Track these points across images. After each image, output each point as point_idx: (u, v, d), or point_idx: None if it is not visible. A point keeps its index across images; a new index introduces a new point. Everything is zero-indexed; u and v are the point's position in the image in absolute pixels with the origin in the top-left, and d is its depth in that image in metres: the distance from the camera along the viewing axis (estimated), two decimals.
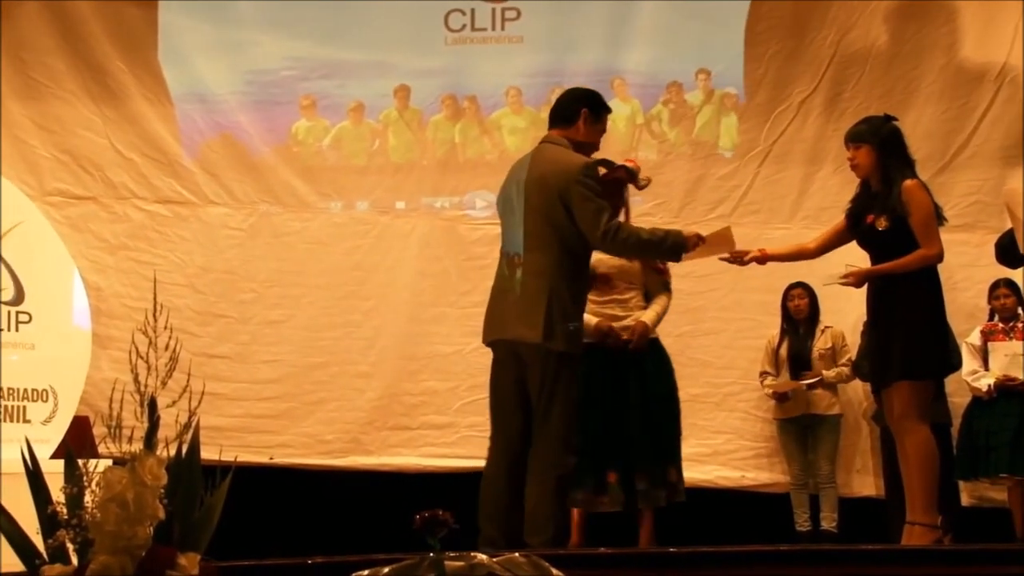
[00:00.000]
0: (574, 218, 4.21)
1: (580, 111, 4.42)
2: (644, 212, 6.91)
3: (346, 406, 7.06)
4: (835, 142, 7.05)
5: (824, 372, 6.66)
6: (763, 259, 4.80)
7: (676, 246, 4.39)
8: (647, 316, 5.15)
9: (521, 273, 4.26)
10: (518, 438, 4.31)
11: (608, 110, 4.58)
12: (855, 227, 4.68)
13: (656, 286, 5.28)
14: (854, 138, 4.67)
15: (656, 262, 5.19)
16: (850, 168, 4.74)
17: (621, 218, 4.87)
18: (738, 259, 4.73)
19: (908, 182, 4.51)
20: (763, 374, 6.84)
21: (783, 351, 6.78)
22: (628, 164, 5.12)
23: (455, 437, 6.97)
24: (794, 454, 6.75)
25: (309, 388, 7.08)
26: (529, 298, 4.21)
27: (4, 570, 2.84)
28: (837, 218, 6.71)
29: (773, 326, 6.86)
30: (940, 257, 4.54)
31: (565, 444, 4.23)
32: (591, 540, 5.18)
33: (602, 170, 5.05)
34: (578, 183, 4.22)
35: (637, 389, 5.01)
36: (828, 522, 6.61)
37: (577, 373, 4.33)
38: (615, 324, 5.07)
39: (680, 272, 6.75)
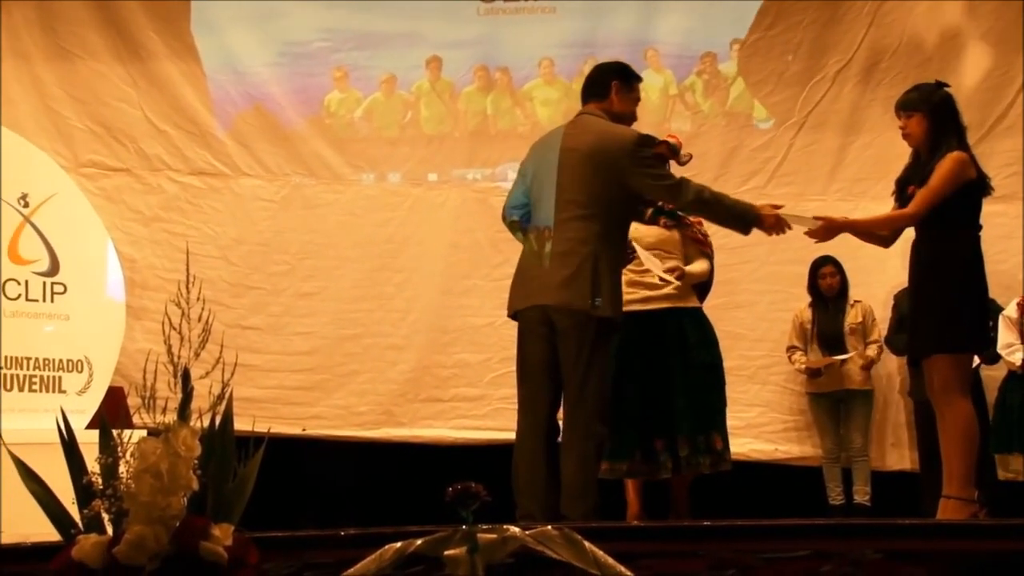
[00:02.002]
0: (625, 190, 4.22)
1: (611, 83, 4.44)
2: None
3: (378, 378, 7.08)
4: (872, 112, 7.00)
5: (856, 350, 6.61)
6: (836, 228, 4.67)
7: (748, 218, 4.42)
8: (687, 267, 5.13)
9: (553, 244, 4.23)
10: (548, 409, 4.29)
11: (639, 79, 4.57)
12: (899, 197, 4.59)
13: (695, 255, 5.24)
14: (905, 106, 4.54)
15: (697, 233, 5.20)
16: (902, 138, 4.60)
17: None
18: (820, 232, 4.62)
19: (951, 154, 4.39)
20: (791, 349, 6.81)
21: (813, 326, 6.73)
22: (670, 140, 5.10)
23: (487, 409, 6.98)
24: (827, 427, 6.72)
25: (341, 360, 7.10)
26: (572, 264, 4.19)
27: (41, 539, 2.86)
28: (872, 189, 6.63)
29: (806, 299, 6.82)
30: (911, 220, 4.44)
31: (599, 414, 4.21)
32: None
33: None
34: (639, 156, 4.25)
35: (679, 357, 5.00)
36: (861, 495, 6.58)
37: (611, 344, 4.32)
38: (652, 292, 5.04)
39: (713, 245, 6.74)
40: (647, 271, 5.05)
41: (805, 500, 6.55)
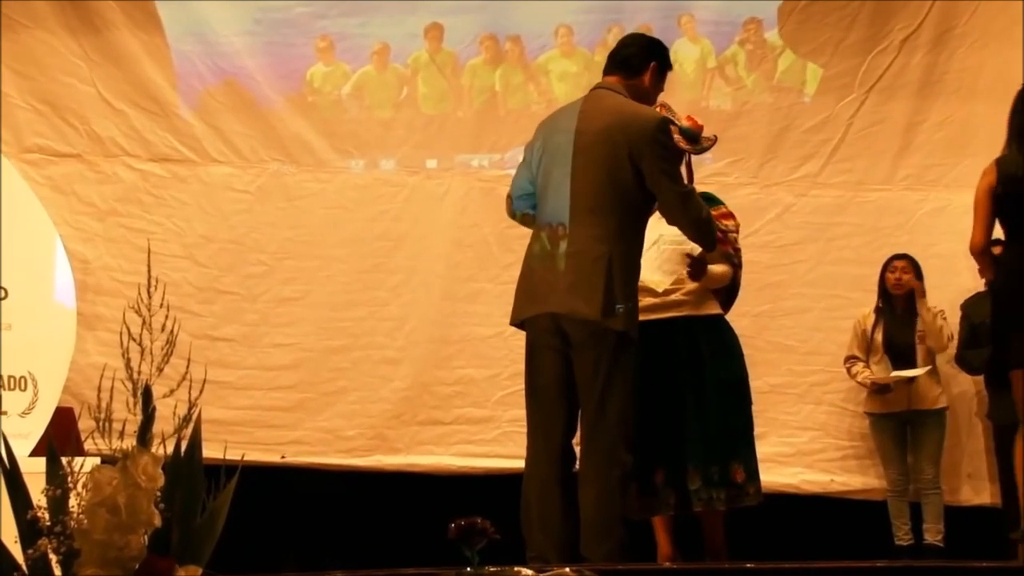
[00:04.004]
0: (643, 180, 4.23)
1: (649, 64, 4.48)
2: (716, 172, 6.90)
3: (370, 397, 7.09)
4: (945, 85, 6.99)
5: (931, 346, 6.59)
6: None
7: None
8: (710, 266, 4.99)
9: (568, 243, 4.23)
10: (563, 432, 4.30)
11: (671, 68, 4.64)
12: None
13: (715, 257, 5.07)
14: None
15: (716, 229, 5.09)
16: None
17: None
18: None
19: None
20: (850, 359, 6.79)
21: (878, 334, 6.72)
22: (687, 123, 4.87)
23: (495, 433, 6.98)
24: (891, 455, 6.71)
25: (327, 376, 7.11)
26: (584, 267, 4.19)
27: None
28: (947, 176, 6.62)
29: (868, 304, 6.81)
30: None
31: (623, 439, 4.22)
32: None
33: None
34: (660, 144, 4.26)
35: (691, 372, 4.91)
36: (932, 535, 6.57)
37: (633, 358, 4.31)
38: (659, 300, 4.93)
39: (757, 243, 6.74)
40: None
41: (867, 540, 6.55)
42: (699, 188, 4.73)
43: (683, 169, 4.64)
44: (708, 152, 5.01)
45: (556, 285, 4.24)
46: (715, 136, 4.80)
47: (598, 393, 4.19)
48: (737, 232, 5.13)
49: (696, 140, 4.65)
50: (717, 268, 4.96)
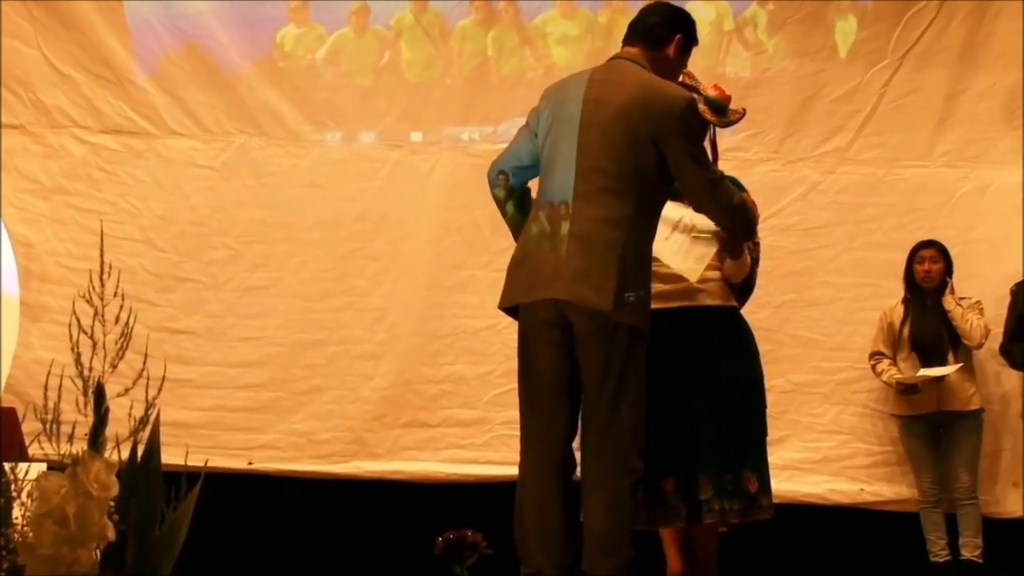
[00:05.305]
0: (665, 164, 4.23)
1: (674, 36, 4.46)
2: (733, 147, 6.89)
3: (347, 397, 7.10)
4: (989, 50, 6.99)
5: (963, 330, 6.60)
6: None
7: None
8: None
9: (572, 223, 4.22)
10: (563, 436, 4.29)
11: (697, 43, 4.61)
12: None
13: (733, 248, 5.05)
14: None
15: None
16: None
17: None
18: None
19: None
20: (876, 356, 6.82)
21: (905, 328, 6.73)
22: (713, 92, 4.88)
23: (487, 436, 6.99)
24: (922, 461, 6.73)
25: (300, 374, 7.12)
26: (595, 253, 4.17)
27: None
28: (991, 151, 6.61)
29: (902, 294, 6.82)
30: None
31: (635, 445, 4.22)
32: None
33: None
34: (688, 125, 4.24)
35: (701, 370, 4.89)
36: (970, 550, 6.59)
37: (645, 355, 4.30)
38: (669, 286, 4.90)
39: (779, 225, 6.74)
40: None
41: (899, 556, 6.56)
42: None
43: (707, 145, 4.67)
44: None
45: (560, 270, 4.19)
46: (744, 109, 4.79)
47: (610, 395, 4.18)
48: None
49: (723, 111, 4.65)
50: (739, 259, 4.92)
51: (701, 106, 4.53)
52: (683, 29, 4.50)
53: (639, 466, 4.24)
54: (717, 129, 4.84)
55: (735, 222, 4.49)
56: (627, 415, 4.19)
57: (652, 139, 4.20)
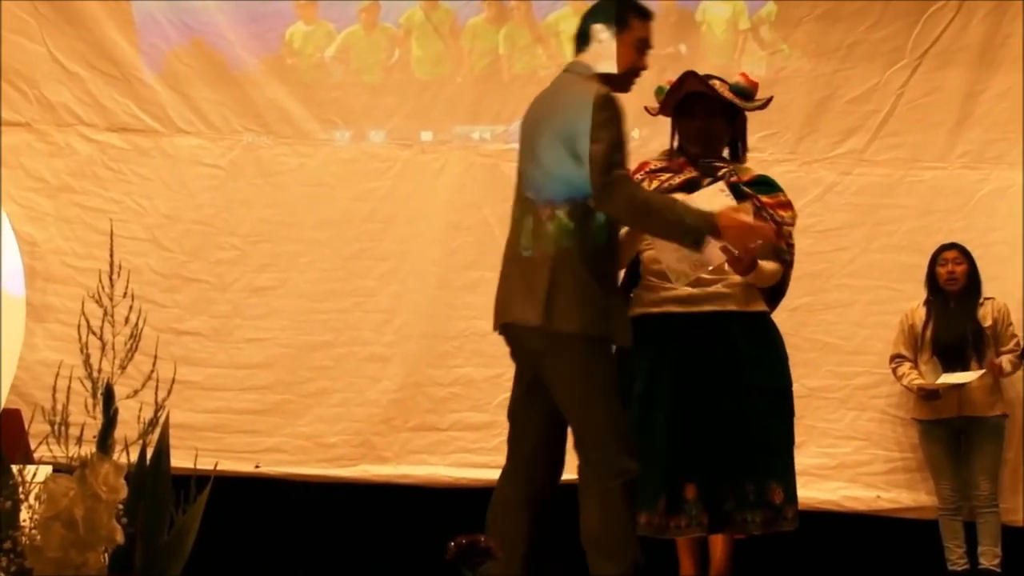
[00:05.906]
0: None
1: (589, 27, 4.37)
2: (749, 147, 6.76)
3: (355, 399, 7.10)
4: (1009, 50, 6.99)
5: (989, 358, 6.60)
6: None
7: (701, 230, 4.26)
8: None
9: (507, 247, 4.35)
10: (531, 449, 4.34)
11: (643, 14, 4.40)
12: None
13: (765, 252, 4.95)
14: None
15: (772, 218, 4.94)
16: None
17: None
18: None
19: None
20: (896, 359, 6.81)
21: (927, 332, 6.72)
22: (740, 80, 4.88)
23: (497, 440, 6.91)
24: (942, 467, 6.72)
25: (307, 376, 7.13)
26: (526, 268, 4.25)
27: None
28: (1011, 152, 6.60)
29: (920, 297, 6.81)
30: None
31: (621, 444, 4.20)
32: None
33: (653, 106, 4.99)
34: (594, 119, 4.13)
35: (726, 376, 4.85)
36: (989, 559, 6.58)
37: (610, 354, 4.28)
38: (697, 290, 4.86)
39: (795, 227, 6.72)
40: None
41: (916, 564, 6.56)
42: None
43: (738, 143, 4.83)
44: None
45: (509, 289, 4.35)
46: (771, 96, 4.96)
47: (578, 406, 4.20)
48: (793, 225, 4.96)
49: (750, 97, 4.81)
50: (768, 265, 4.78)
51: (727, 94, 4.68)
52: (599, 17, 4.35)
53: (631, 466, 4.22)
54: (747, 125, 4.94)
55: (643, 221, 4.34)
56: (601, 422, 4.20)
57: (567, 147, 4.17)
